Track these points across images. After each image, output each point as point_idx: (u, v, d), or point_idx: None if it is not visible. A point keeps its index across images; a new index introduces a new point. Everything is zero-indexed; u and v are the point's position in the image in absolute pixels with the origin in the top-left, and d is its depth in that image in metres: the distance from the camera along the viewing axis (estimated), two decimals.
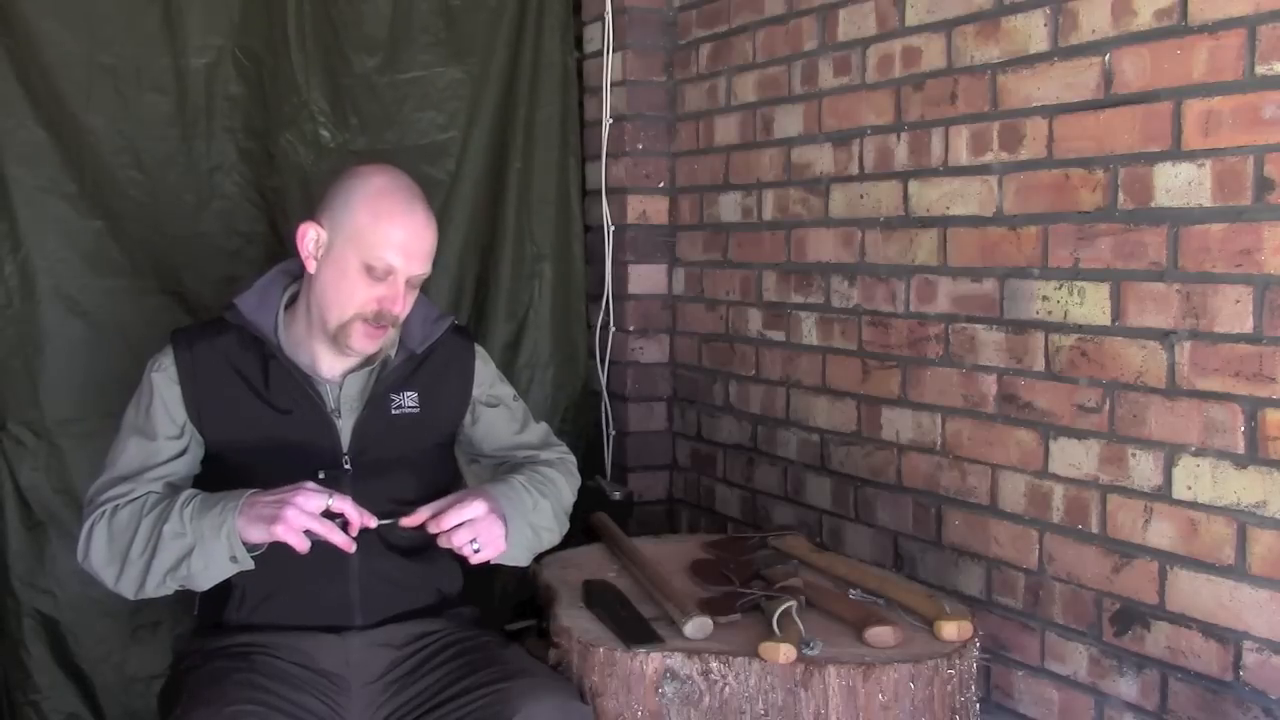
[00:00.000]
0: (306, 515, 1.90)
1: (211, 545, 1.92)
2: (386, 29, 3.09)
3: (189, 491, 2.00)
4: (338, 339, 2.07)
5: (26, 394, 2.73)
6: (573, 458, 2.39)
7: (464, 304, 3.22)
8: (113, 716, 2.77)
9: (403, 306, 2.07)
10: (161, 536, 1.94)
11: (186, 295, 2.84)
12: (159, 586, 1.98)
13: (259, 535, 1.92)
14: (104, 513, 2.01)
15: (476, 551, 2.02)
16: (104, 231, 2.79)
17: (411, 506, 2.08)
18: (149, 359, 2.15)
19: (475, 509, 2.03)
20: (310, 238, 2.08)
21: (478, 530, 2.03)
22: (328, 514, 1.92)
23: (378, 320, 2.06)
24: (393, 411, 2.16)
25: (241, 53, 2.91)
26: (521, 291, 3.26)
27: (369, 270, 2.04)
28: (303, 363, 2.13)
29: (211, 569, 1.95)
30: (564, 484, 2.27)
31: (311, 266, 2.08)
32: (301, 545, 1.91)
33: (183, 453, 2.10)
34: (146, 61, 2.82)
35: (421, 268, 2.08)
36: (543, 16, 3.29)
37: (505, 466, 2.28)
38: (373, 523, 1.97)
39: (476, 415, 2.29)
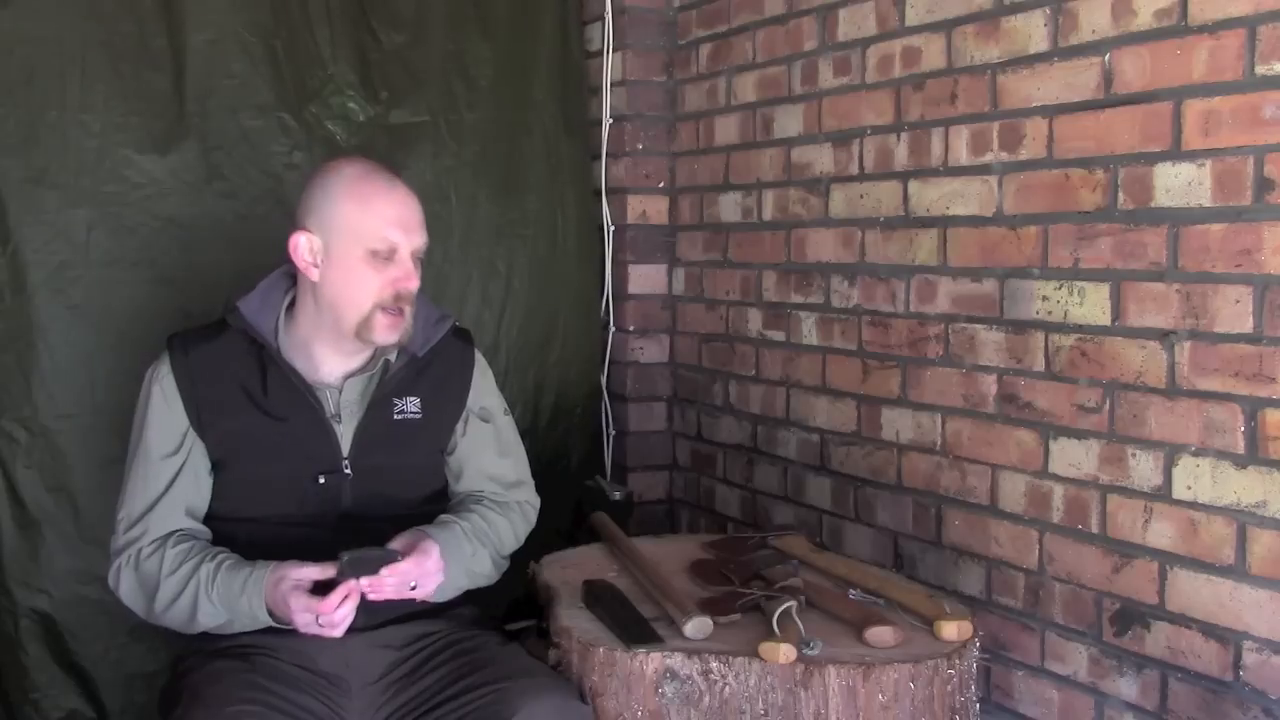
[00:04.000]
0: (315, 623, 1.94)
1: (249, 624, 2.00)
2: (414, 6, 3.07)
3: (207, 569, 2.01)
4: (361, 335, 2.07)
5: (19, 390, 2.68)
6: (536, 501, 2.36)
7: (494, 296, 3.18)
8: (113, 710, 2.75)
9: (416, 282, 2.09)
10: (197, 610, 2.00)
11: (182, 281, 2.77)
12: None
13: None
14: (130, 557, 2.06)
15: (412, 589, 2.01)
16: (96, 219, 2.73)
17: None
18: (146, 362, 2.14)
19: (434, 561, 2.03)
20: (304, 247, 2.07)
21: (418, 574, 2.02)
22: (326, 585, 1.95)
23: (396, 302, 2.06)
24: (395, 417, 2.16)
25: (245, 29, 2.85)
26: (549, 289, 3.25)
27: (374, 255, 2.04)
28: (301, 367, 2.11)
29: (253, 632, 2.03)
30: (508, 532, 2.25)
31: (314, 275, 2.07)
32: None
33: (180, 470, 2.08)
34: (143, 39, 2.76)
35: (421, 238, 2.10)
36: (566, 8, 3.29)
37: (462, 503, 2.25)
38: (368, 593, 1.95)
39: (468, 427, 2.27)
